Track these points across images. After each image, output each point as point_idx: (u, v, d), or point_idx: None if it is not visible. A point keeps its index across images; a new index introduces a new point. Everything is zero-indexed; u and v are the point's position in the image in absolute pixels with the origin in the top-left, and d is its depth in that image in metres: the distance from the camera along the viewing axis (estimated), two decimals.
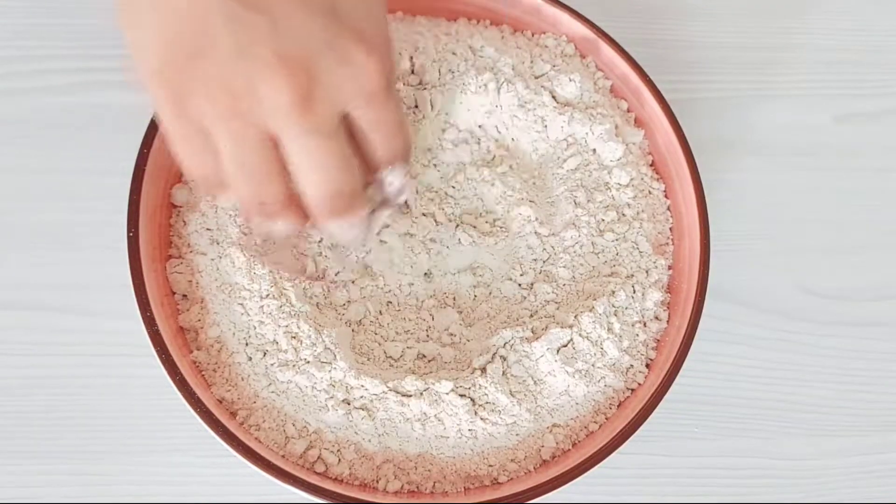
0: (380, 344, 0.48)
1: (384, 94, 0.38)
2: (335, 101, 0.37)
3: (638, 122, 0.54)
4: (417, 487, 0.45)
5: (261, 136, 0.37)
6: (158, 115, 0.39)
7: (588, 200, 0.50)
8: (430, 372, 0.47)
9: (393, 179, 0.42)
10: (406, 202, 0.47)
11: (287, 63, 0.35)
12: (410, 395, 0.45)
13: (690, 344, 0.48)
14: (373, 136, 0.40)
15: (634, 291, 0.49)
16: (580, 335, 0.47)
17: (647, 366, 0.49)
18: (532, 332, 0.48)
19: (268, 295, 0.46)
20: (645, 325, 0.49)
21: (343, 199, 0.39)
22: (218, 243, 0.48)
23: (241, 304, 0.46)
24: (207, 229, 0.48)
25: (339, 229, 0.41)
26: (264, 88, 0.35)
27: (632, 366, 0.48)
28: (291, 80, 0.35)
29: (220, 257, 0.47)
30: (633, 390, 0.48)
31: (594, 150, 0.52)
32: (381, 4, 0.40)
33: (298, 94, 0.35)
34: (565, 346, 0.47)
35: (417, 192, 0.50)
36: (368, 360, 0.47)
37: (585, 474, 0.44)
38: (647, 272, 0.50)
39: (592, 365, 0.47)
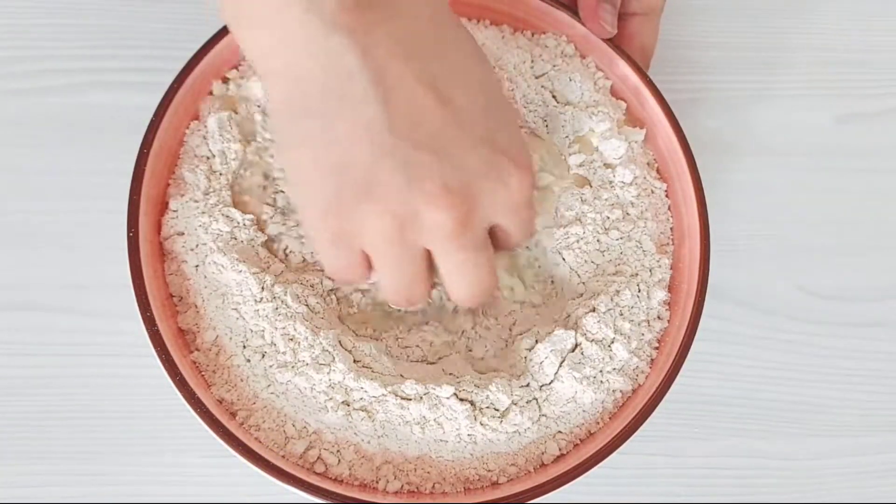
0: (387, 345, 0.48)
1: (528, 203, 0.42)
2: (489, 219, 0.41)
3: (638, 122, 0.53)
4: (417, 488, 0.45)
5: (419, 253, 0.41)
6: (315, 243, 0.43)
7: (594, 198, 0.50)
8: (434, 376, 0.47)
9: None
10: None
11: (451, 194, 0.38)
12: (410, 399, 0.45)
13: (690, 344, 0.48)
14: (514, 232, 0.43)
15: (640, 291, 0.49)
16: (587, 339, 0.47)
17: (649, 365, 0.49)
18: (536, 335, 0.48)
19: (261, 299, 0.46)
20: (649, 324, 0.49)
21: (484, 296, 0.43)
22: (193, 250, 0.47)
23: (236, 309, 0.46)
24: (179, 234, 0.48)
25: None
26: (429, 218, 0.38)
27: (637, 366, 0.48)
28: (454, 210, 0.38)
29: (203, 264, 0.47)
30: (634, 390, 0.48)
31: (597, 148, 0.52)
32: (518, 125, 0.44)
33: (458, 222, 0.39)
34: (573, 351, 0.47)
35: None
36: (371, 357, 0.47)
37: (585, 474, 0.45)
38: (650, 271, 0.50)
39: (601, 371, 0.47)
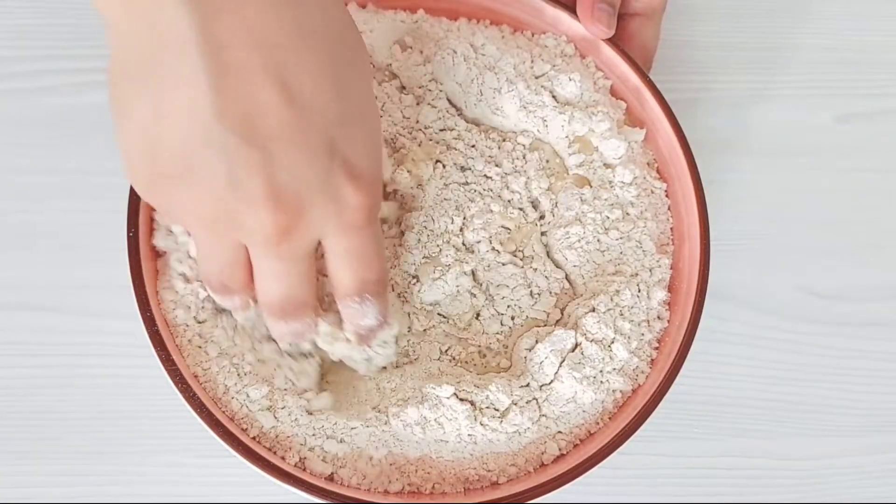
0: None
1: (363, 227, 0.38)
2: (313, 233, 0.38)
3: (638, 123, 0.53)
4: (418, 489, 0.45)
5: (235, 245, 0.39)
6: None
7: (594, 198, 0.50)
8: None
9: (363, 315, 0.42)
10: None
11: (276, 200, 0.35)
12: (408, 400, 0.45)
13: (690, 344, 0.48)
14: (340, 263, 0.40)
15: (640, 291, 0.49)
16: (587, 339, 0.47)
17: (650, 365, 0.49)
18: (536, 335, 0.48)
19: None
20: (649, 324, 0.49)
21: (291, 304, 0.41)
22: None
23: (231, 363, 0.46)
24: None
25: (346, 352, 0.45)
26: (249, 220, 0.36)
27: (637, 366, 0.48)
28: (276, 217, 0.36)
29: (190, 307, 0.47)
30: (634, 390, 0.48)
31: (597, 148, 0.52)
32: (377, 134, 0.39)
33: (280, 230, 0.36)
34: (572, 351, 0.47)
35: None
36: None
37: (585, 474, 0.44)
38: (650, 271, 0.50)
39: (601, 371, 0.47)
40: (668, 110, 0.52)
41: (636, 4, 0.53)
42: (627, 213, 0.50)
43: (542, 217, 0.51)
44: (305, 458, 0.45)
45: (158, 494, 0.49)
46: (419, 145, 0.51)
